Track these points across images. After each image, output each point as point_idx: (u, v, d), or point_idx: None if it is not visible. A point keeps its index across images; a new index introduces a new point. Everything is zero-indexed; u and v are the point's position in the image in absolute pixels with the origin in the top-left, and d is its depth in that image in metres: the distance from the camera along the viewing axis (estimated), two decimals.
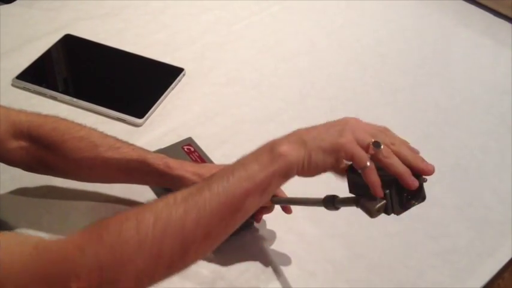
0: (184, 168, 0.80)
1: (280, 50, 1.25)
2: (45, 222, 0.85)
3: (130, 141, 0.93)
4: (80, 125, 0.82)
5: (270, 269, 0.83)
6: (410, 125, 1.11)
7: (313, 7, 1.39)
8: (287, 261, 0.84)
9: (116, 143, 0.81)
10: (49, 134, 0.79)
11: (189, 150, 0.92)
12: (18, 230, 0.83)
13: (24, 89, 1.06)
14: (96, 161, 0.80)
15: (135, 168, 0.80)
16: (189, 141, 0.94)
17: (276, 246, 0.86)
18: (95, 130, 0.82)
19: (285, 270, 0.83)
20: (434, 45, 1.33)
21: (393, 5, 1.43)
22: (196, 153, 0.91)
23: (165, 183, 0.82)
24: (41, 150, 0.79)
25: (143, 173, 0.81)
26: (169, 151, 0.89)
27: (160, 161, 0.80)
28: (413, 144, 1.05)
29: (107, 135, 0.82)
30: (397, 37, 1.34)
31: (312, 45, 1.28)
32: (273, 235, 0.87)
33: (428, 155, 1.04)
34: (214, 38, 1.26)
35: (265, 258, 0.84)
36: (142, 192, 0.90)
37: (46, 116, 0.81)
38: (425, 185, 0.98)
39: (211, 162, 0.91)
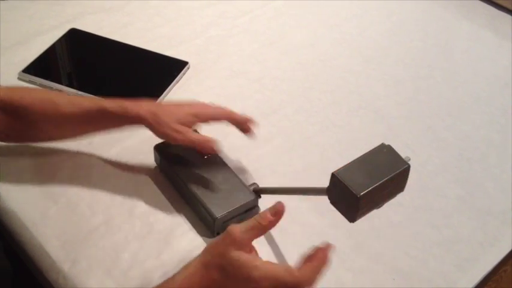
0: (140, 106, 0.85)
1: (284, 43, 1.26)
2: (52, 213, 0.86)
3: (136, 135, 0.95)
4: (38, 88, 0.90)
5: (273, 259, 0.84)
6: (413, 117, 1.12)
7: (317, 1, 1.40)
8: (290, 251, 0.85)
9: (73, 98, 0.88)
10: (17, 101, 0.85)
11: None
12: (26, 222, 0.84)
13: (30, 82, 1.07)
14: (60, 118, 0.85)
15: (95, 117, 0.85)
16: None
17: (279, 237, 0.87)
18: (51, 91, 0.90)
19: (289, 260, 0.84)
20: (437, 38, 1.34)
21: None
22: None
23: (125, 125, 0.87)
24: (10, 117, 0.85)
25: (104, 119, 0.86)
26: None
27: (116, 104, 0.85)
28: (416, 136, 1.07)
29: (63, 93, 0.91)
30: (400, 30, 1.35)
31: (315, 38, 1.29)
32: (276, 226, 0.88)
33: (431, 146, 1.06)
34: (218, 32, 1.27)
35: (269, 249, 0.85)
36: (149, 183, 0.91)
37: (13, 87, 0.89)
38: (428, 175, 0.99)
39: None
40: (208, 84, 1.13)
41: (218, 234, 0.85)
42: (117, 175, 0.92)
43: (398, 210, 0.93)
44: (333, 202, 0.72)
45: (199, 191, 0.84)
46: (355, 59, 1.24)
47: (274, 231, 0.87)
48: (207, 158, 0.90)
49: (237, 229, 0.66)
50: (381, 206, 0.72)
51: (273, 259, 0.84)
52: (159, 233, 0.85)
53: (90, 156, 0.94)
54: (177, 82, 1.12)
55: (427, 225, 0.92)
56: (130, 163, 0.94)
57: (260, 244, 0.86)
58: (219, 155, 0.91)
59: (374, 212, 0.92)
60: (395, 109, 1.13)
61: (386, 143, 0.71)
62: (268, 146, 1.02)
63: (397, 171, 0.68)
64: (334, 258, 0.85)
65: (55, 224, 0.84)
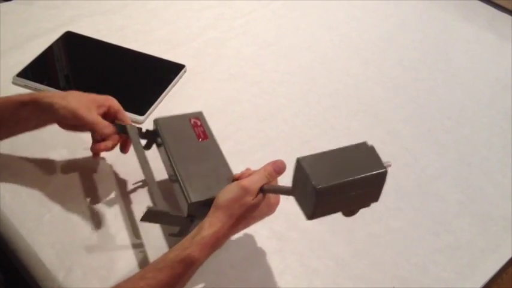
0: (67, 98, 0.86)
1: (282, 46, 1.25)
2: (47, 220, 0.85)
3: None
4: None
5: (273, 266, 0.83)
6: (412, 120, 1.11)
7: (315, 2, 1.39)
8: (290, 258, 0.84)
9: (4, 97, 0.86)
10: None
11: (195, 123, 0.90)
12: (20, 230, 0.83)
13: (25, 86, 1.06)
14: None
15: (31, 111, 0.84)
16: (198, 115, 0.92)
17: (278, 243, 0.86)
18: None
19: (288, 266, 0.83)
20: (436, 40, 1.33)
21: (395, 0, 1.43)
22: (201, 128, 0.89)
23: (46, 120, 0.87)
24: None
25: (39, 112, 0.84)
26: (175, 120, 0.89)
27: (51, 95, 0.85)
28: (416, 140, 1.06)
29: None
30: (399, 32, 1.34)
31: (314, 40, 1.28)
32: (275, 232, 0.87)
33: (430, 150, 1.05)
34: (216, 34, 1.25)
35: (268, 255, 0.84)
36: (145, 190, 0.90)
37: None
38: (428, 180, 0.98)
39: (214, 140, 0.90)
40: (206, 88, 1.12)
41: (189, 216, 0.81)
42: (112, 182, 0.91)
43: (397, 215, 0.92)
44: (298, 198, 0.67)
45: (183, 171, 0.82)
46: (354, 62, 1.23)
47: (273, 238, 0.86)
48: (202, 142, 0.88)
49: (250, 183, 0.76)
50: (351, 213, 0.66)
51: (272, 266, 0.83)
52: (154, 241, 0.84)
53: (85, 163, 0.93)
54: (174, 85, 1.11)
55: (427, 231, 0.91)
56: (127, 170, 0.93)
57: (259, 250, 0.85)
58: (216, 141, 0.90)
59: (373, 218, 0.91)
60: (395, 112, 1.12)
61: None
62: (266, 150, 1.01)
63: (369, 173, 0.61)
64: (334, 266, 0.84)
65: (50, 232, 0.83)
